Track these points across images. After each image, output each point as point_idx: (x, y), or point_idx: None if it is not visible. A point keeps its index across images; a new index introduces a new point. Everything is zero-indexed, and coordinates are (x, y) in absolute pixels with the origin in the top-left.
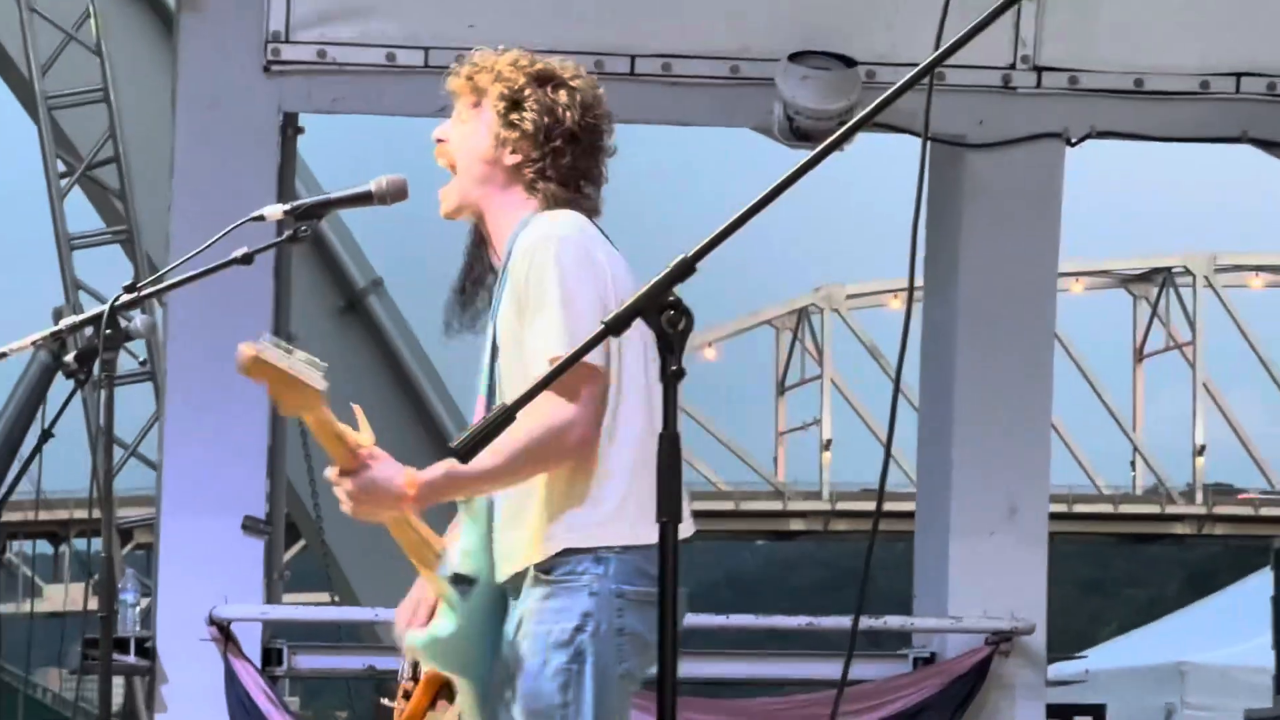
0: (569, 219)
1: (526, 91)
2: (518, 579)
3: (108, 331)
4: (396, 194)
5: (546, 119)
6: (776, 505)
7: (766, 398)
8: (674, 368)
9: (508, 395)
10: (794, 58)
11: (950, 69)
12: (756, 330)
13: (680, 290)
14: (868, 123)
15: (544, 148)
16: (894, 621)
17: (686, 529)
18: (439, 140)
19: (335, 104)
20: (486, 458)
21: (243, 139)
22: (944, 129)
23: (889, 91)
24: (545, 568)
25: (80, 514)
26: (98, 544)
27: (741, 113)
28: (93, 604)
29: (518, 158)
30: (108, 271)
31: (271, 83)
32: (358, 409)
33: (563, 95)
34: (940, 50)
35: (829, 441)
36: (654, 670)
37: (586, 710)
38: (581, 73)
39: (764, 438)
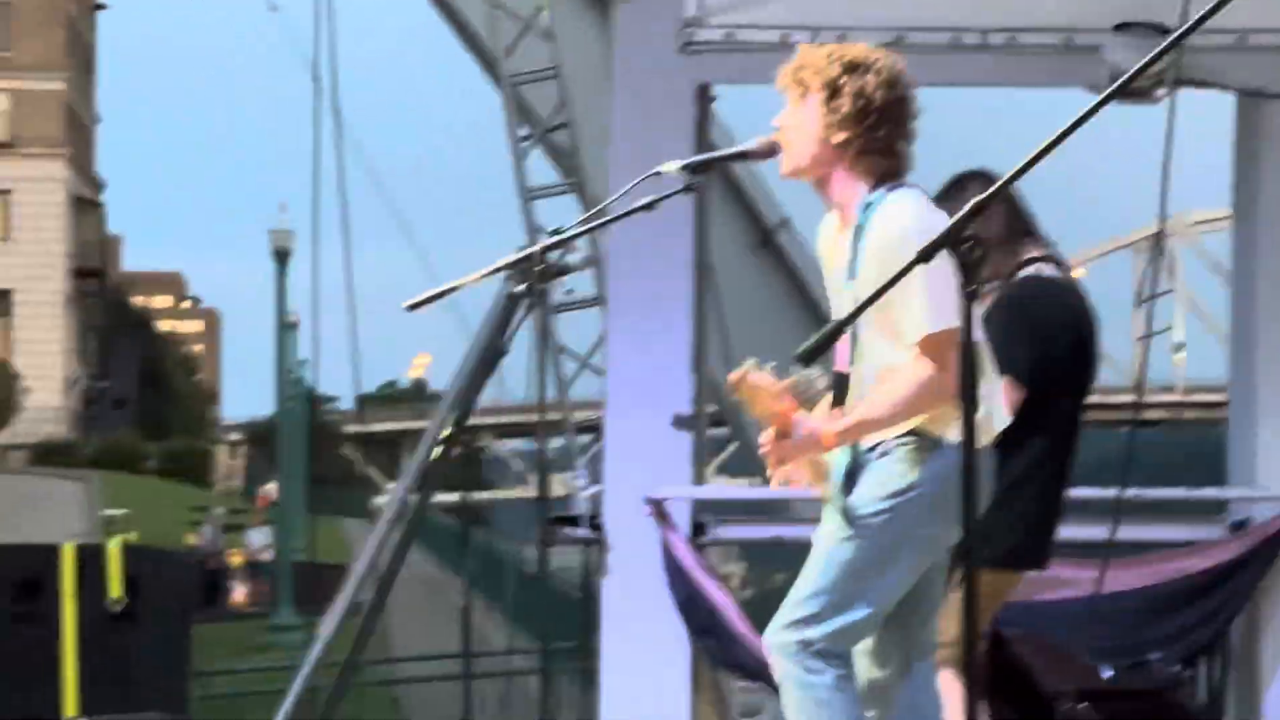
0: (915, 204)
1: (842, 80)
2: (871, 450)
3: (539, 268)
4: (768, 151)
5: (861, 101)
6: None
7: None
8: (972, 288)
9: (864, 337)
10: (1118, 29)
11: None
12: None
13: None
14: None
15: (862, 125)
16: (1209, 493)
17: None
18: (779, 127)
19: (739, 76)
20: (883, 409)
21: (667, 106)
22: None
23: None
24: (896, 441)
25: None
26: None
27: (1074, 76)
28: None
29: (843, 135)
30: (564, 217)
31: (688, 60)
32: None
33: (871, 78)
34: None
35: None
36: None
37: (888, 542)
38: (884, 54)
39: None
